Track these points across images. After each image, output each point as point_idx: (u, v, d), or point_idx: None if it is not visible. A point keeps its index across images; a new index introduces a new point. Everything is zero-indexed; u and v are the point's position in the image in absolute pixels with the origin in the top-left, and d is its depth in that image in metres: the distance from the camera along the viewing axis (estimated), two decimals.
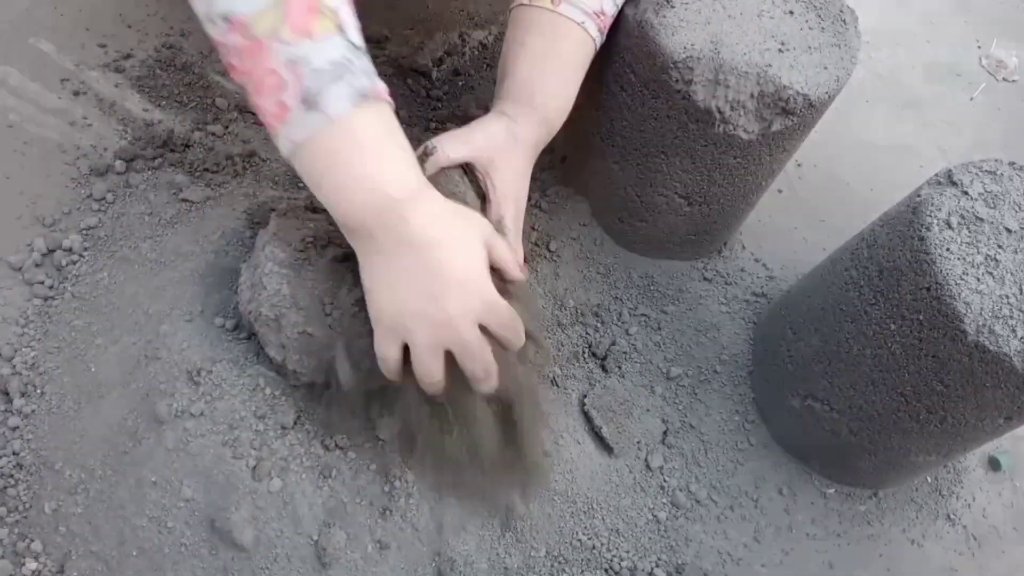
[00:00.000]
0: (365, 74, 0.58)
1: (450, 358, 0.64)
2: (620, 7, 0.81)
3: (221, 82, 1.05)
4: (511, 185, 0.75)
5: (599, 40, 0.80)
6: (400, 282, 0.60)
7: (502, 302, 0.63)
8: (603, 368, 0.94)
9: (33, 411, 0.78)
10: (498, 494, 0.80)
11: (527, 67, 0.77)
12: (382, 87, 0.60)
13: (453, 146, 0.72)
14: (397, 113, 0.62)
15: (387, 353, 0.64)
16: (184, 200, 0.92)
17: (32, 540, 0.73)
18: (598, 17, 0.78)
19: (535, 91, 0.77)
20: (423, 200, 0.60)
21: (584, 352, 0.95)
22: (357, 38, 0.60)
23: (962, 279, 0.68)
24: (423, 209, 0.60)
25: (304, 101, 0.56)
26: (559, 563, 0.80)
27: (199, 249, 0.87)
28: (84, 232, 0.90)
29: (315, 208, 0.79)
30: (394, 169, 0.59)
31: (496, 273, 0.67)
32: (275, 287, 0.73)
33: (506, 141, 0.74)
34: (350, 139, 0.57)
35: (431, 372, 0.63)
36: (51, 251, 0.88)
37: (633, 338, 0.97)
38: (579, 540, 0.81)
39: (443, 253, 0.60)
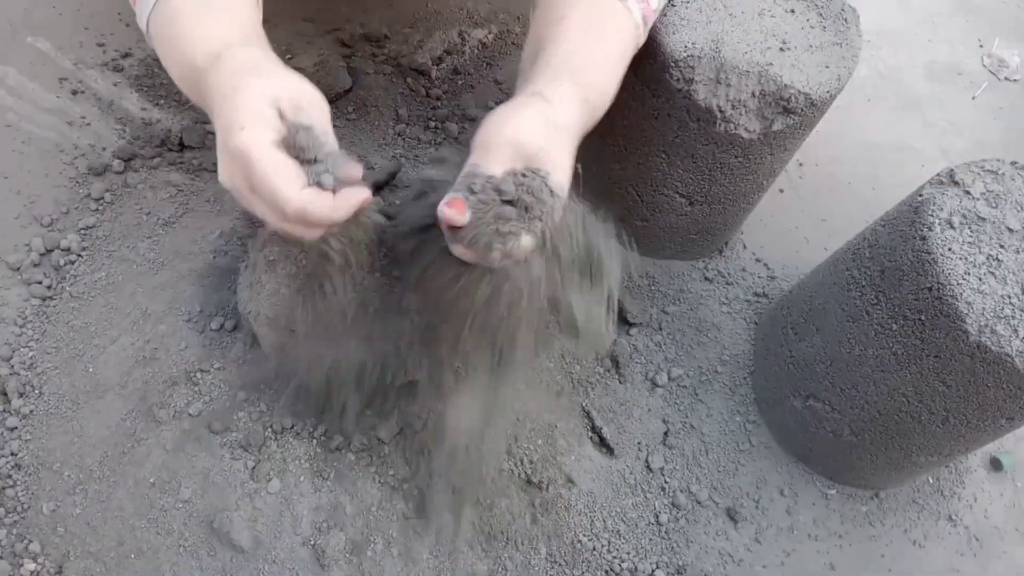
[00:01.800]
0: None
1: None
2: (664, 3, 0.74)
3: None
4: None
5: (643, 32, 0.71)
6: (218, 142, 0.56)
7: (254, 155, 0.52)
8: (604, 368, 0.94)
9: (31, 411, 0.78)
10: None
11: (568, 42, 0.65)
12: None
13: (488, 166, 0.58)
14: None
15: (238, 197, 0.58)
16: (182, 200, 0.92)
17: (30, 541, 0.73)
18: (641, 2, 0.69)
19: (577, 68, 0.64)
20: (223, 59, 0.57)
21: (585, 353, 0.94)
22: None
23: (964, 279, 0.67)
24: (221, 67, 0.57)
25: None
26: (559, 565, 0.79)
27: (198, 249, 0.87)
28: (82, 232, 0.89)
29: None
30: (200, 36, 0.59)
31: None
32: (274, 287, 0.73)
33: (546, 136, 0.60)
34: (170, 15, 0.59)
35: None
36: (49, 251, 0.88)
37: (634, 338, 0.96)
38: (579, 541, 0.81)
39: (231, 102, 0.54)
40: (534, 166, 0.58)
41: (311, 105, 0.57)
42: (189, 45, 0.58)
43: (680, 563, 0.84)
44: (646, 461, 0.89)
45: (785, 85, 0.77)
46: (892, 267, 0.73)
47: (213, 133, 0.99)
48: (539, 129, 0.59)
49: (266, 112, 0.54)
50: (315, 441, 0.76)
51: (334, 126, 1.09)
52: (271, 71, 0.57)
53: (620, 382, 0.93)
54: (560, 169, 0.60)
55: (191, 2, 0.59)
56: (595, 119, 0.68)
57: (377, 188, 0.84)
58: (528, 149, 0.58)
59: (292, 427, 0.76)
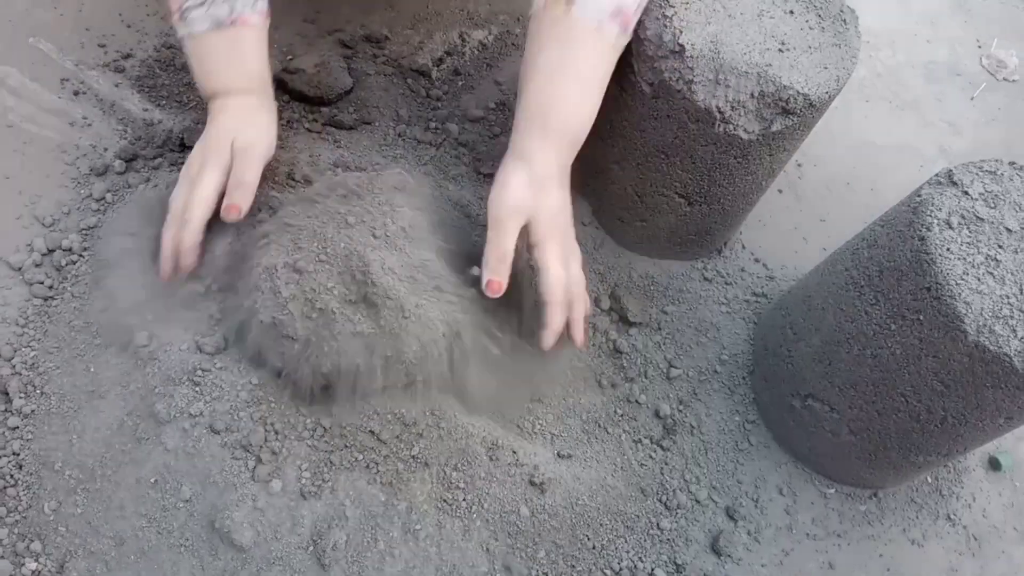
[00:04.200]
0: (228, 3, 0.77)
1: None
2: (644, 2, 0.78)
3: None
4: (548, 226, 0.77)
5: (624, 39, 0.77)
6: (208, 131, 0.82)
7: (245, 176, 0.78)
8: (603, 367, 0.94)
9: (33, 411, 0.78)
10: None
11: (538, 86, 0.76)
12: (244, 16, 0.78)
13: (499, 255, 0.75)
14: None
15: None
16: None
17: (32, 540, 0.73)
18: (616, 16, 0.75)
19: (550, 113, 0.76)
20: (231, 96, 0.81)
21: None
22: None
23: (962, 279, 0.68)
24: (227, 101, 0.81)
25: (180, 13, 0.77)
26: (559, 564, 0.80)
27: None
28: (84, 232, 0.90)
29: (315, 201, 0.79)
30: (222, 74, 0.81)
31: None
32: (272, 292, 0.73)
33: (534, 195, 0.76)
34: (201, 51, 0.80)
35: (175, 196, 0.80)
36: (51, 251, 0.88)
37: (633, 338, 0.96)
38: (579, 540, 0.81)
39: (219, 125, 0.80)
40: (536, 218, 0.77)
41: (246, 153, 0.79)
42: (214, 79, 0.81)
43: (679, 562, 0.84)
44: (644, 460, 0.89)
45: (784, 86, 0.77)
46: (891, 267, 0.73)
47: None
48: (527, 191, 0.76)
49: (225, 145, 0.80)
50: (317, 442, 0.76)
51: (334, 127, 1.10)
52: (246, 121, 0.81)
53: (619, 381, 0.93)
54: (553, 207, 0.78)
55: (220, 54, 0.79)
56: (580, 143, 0.79)
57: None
58: (527, 211, 0.76)
59: (293, 427, 0.76)
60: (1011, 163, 0.75)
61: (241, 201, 0.77)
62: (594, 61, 0.76)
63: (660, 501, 0.87)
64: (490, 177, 1.03)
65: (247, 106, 0.81)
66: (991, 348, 0.66)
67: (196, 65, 0.81)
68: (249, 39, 0.80)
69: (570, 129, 0.77)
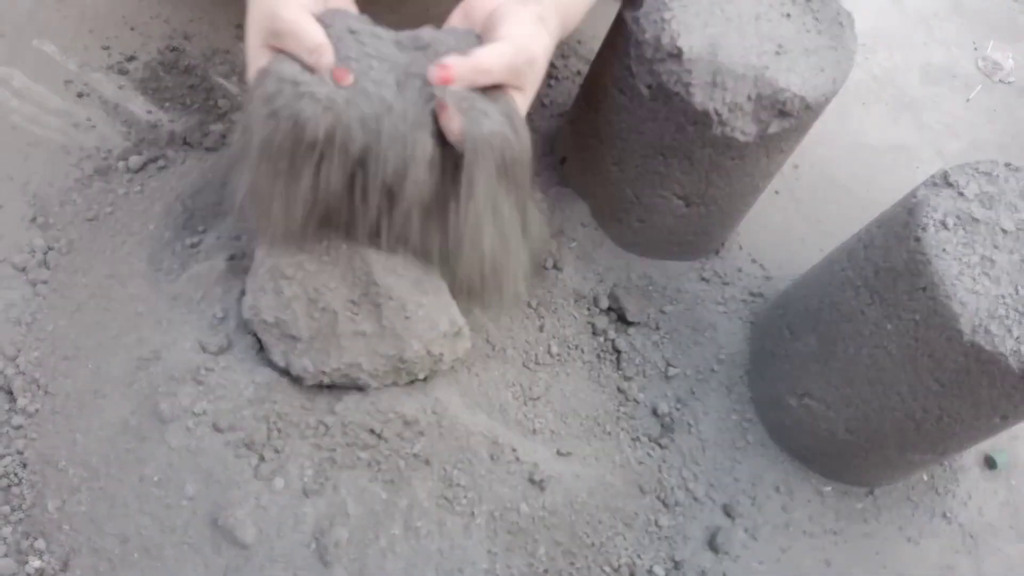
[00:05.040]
0: None
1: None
2: None
3: (224, 84, 1.06)
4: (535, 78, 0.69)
5: None
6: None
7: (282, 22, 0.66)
8: (602, 366, 0.94)
9: (37, 410, 0.78)
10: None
11: None
12: None
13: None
14: None
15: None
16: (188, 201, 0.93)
17: (36, 538, 0.73)
18: None
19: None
20: None
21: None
22: None
23: (958, 279, 0.68)
24: None
25: None
26: (558, 561, 0.80)
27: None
28: (87, 232, 0.90)
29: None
30: None
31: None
32: (275, 292, 0.74)
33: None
34: None
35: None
36: (54, 251, 0.88)
37: (631, 338, 0.97)
38: (577, 538, 0.82)
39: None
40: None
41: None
42: None
43: (677, 559, 0.85)
44: (643, 458, 0.90)
45: (781, 88, 0.78)
46: (886, 267, 0.74)
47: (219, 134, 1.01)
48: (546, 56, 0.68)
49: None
50: (319, 440, 0.77)
51: None
52: None
53: (617, 380, 0.94)
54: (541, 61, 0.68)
55: None
56: (568, 30, 0.74)
57: None
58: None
59: (296, 425, 0.76)
60: (1006, 164, 0.76)
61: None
62: None
63: (658, 499, 0.88)
64: None
65: None
66: (986, 348, 0.67)
67: None
68: None
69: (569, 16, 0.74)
